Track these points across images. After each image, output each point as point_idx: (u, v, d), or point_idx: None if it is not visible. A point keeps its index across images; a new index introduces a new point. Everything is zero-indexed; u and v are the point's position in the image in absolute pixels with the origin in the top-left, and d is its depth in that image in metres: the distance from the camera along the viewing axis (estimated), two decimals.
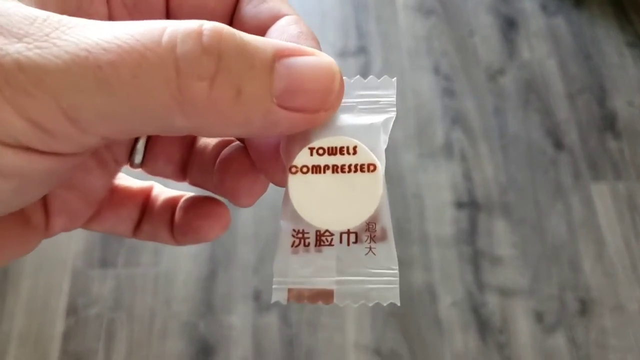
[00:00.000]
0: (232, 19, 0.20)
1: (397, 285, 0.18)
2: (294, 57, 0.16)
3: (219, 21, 0.16)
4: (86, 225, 0.23)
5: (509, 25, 0.96)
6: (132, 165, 0.23)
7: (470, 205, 0.82)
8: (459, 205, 0.81)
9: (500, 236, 0.80)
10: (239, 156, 0.21)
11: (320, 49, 0.18)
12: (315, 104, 0.17)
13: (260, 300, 0.76)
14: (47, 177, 0.16)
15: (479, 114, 0.88)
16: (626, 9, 0.95)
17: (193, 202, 0.23)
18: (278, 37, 0.19)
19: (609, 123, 0.87)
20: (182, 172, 0.23)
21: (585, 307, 0.75)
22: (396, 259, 0.18)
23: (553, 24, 0.95)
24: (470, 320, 0.75)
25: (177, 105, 0.15)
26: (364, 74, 0.93)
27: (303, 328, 0.74)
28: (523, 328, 0.74)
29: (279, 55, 0.16)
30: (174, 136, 0.22)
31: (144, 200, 0.24)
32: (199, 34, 0.15)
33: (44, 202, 0.21)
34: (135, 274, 0.78)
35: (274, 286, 0.19)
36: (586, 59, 0.91)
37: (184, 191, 0.25)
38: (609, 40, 0.94)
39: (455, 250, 0.79)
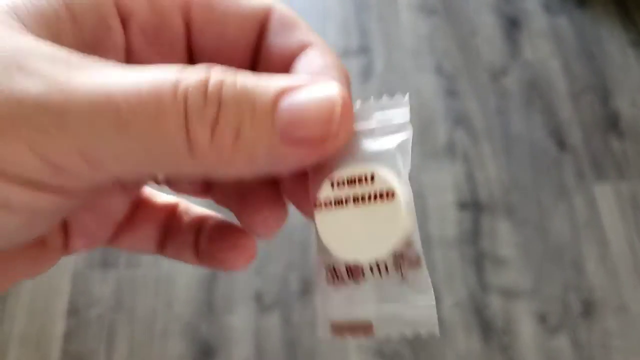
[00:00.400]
0: (256, 48, 0.20)
1: (435, 314, 0.18)
2: (296, 91, 0.16)
3: (240, 51, 0.18)
4: (108, 244, 0.23)
5: (512, 25, 0.95)
6: (158, 182, 0.23)
7: (472, 205, 0.81)
8: (462, 205, 0.81)
9: (503, 237, 0.79)
10: (256, 187, 0.21)
11: (347, 78, 0.18)
12: (316, 134, 0.16)
13: (261, 301, 0.76)
14: (55, 212, 0.17)
15: (482, 114, 0.87)
16: (629, 8, 0.95)
17: (219, 231, 0.23)
18: (303, 69, 0.19)
19: (612, 123, 0.87)
20: (206, 190, 0.23)
21: (588, 308, 0.75)
22: (430, 285, 0.17)
23: (556, 24, 0.95)
24: (473, 321, 0.74)
25: (187, 151, 0.16)
26: (366, 73, 0.93)
27: (304, 329, 0.74)
28: (526, 329, 0.74)
29: (282, 93, 0.16)
30: None
31: (168, 217, 0.24)
32: (205, 83, 0.15)
33: (63, 224, 0.21)
34: (137, 275, 0.78)
35: (318, 321, 0.19)
36: (589, 58, 0.91)
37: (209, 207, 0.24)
38: (612, 40, 0.93)
39: (458, 251, 0.78)
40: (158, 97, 0.15)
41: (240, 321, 0.75)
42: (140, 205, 0.24)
